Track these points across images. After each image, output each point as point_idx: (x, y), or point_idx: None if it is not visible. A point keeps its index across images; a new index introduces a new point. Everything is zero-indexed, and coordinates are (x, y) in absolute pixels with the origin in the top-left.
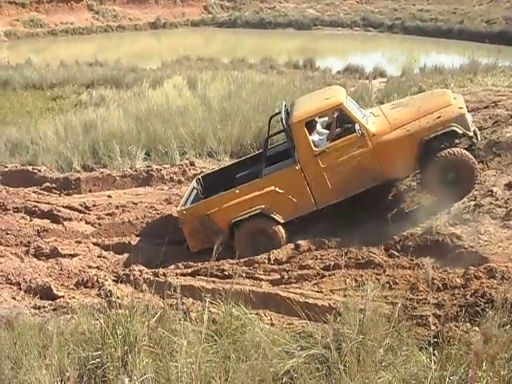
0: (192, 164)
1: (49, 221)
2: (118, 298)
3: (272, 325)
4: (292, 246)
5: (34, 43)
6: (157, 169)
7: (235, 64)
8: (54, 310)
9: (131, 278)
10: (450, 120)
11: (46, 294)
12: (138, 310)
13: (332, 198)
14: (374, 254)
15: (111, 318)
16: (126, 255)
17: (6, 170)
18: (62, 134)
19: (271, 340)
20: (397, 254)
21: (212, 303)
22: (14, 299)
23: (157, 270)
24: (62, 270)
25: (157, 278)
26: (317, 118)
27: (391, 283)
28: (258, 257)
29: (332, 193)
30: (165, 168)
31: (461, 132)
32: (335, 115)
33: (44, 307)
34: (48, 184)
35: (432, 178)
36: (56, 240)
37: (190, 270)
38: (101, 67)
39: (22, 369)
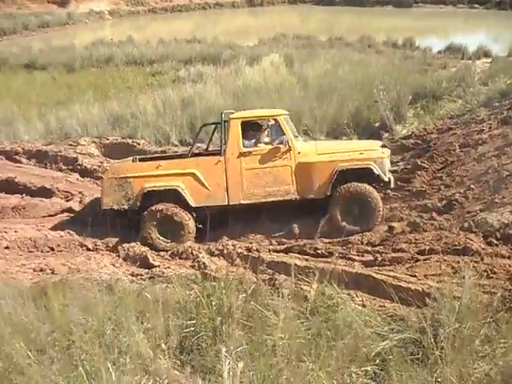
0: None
1: None
2: (212, 270)
3: (363, 306)
4: (385, 228)
5: (135, 21)
6: None
7: (332, 42)
8: (150, 278)
9: (225, 251)
10: (369, 159)
11: (143, 262)
12: (232, 282)
13: (243, 198)
14: (472, 240)
15: (206, 289)
16: (218, 230)
17: (108, 142)
18: (160, 109)
19: (363, 321)
20: (496, 242)
21: (304, 280)
22: (114, 266)
23: (250, 245)
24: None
25: (250, 253)
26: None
27: (489, 272)
28: (352, 237)
29: (245, 193)
30: None
31: (376, 173)
32: (270, 123)
33: (141, 275)
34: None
35: (335, 207)
36: None
37: (282, 247)
38: (198, 44)
39: (122, 331)
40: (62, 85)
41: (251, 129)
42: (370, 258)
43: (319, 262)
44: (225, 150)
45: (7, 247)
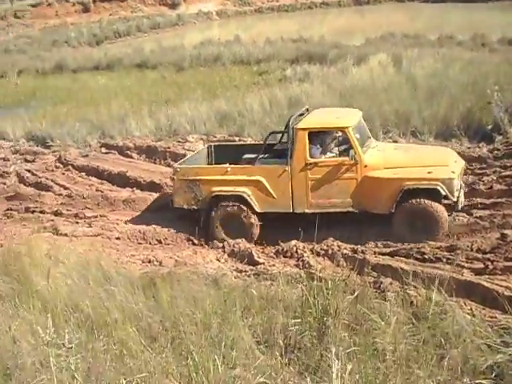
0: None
1: None
2: (317, 270)
3: (473, 315)
4: (497, 235)
5: (241, 21)
6: None
7: (442, 41)
8: (255, 274)
9: (329, 252)
10: (437, 179)
11: (247, 259)
12: (339, 284)
13: (308, 207)
14: None
15: (313, 289)
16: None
17: (215, 139)
18: (267, 108)
19: (472, 331)
20: None
21: (410, 285)
22: (219, 261)
23: (355, 247)
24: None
25: (355, 255)
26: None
27: None
28: (461, 243)
29: (309, 203)
30: None
31: (444, 193)
32: (338, 134)
33: (245, 271)
34: None
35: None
36: None
37: (388, 250)
38: (305, 43)
39: (227, 325)
40: (172, 83)
41: (319, 137)
42: (480, 265)
43: (426, 267)
44: (291, 160)
45: (118, 238)
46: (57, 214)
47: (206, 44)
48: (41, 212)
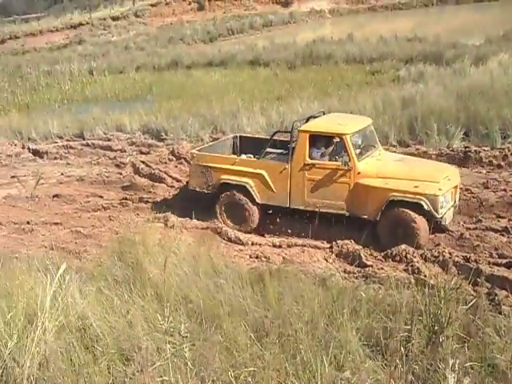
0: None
1: None
2: (426, 276)
3: None
4: None
5: (354, 19)
6: (475, 150)
7: None
8: (364, 277)
9: (440, 258)
10: (421, 194)
11: (355, 260)
12: (451, 293)
13: (303, 204)
14: None
15: (424, 296)
16: (435, 235)
17: None
18: (379, 108)
19: None
20: None
21: None
22: (326, 261)
23: (468, 255)
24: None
25: (467, 263)
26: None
27: None
28: None
29: (304, 201)
30: (484, 150)
31: (427, 208)
32: (336, 140)
33: (353, 273)
34: None
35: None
36: None
37: (504, 261)
38: (419, 43)
39: (335, 326)
40: (283, 81)
41: (321, 141)
42: None
43: None
44: (292, 159)
45: (226, 232)
46: (168, 205)
47: (318, 42)
48: (153, 203)
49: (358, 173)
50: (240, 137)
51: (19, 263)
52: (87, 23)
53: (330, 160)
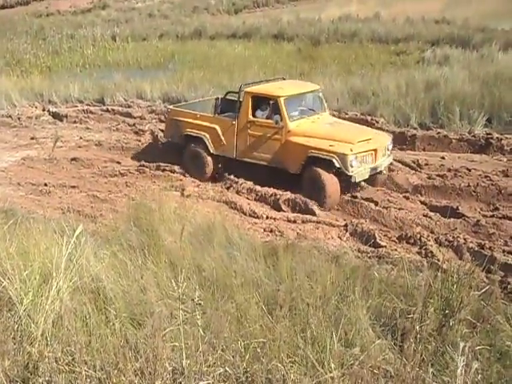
0: None
1: None
2: (439, 260)
3: None
4: None
5: None
6: (497, 137)
7: None
8: (377, 257)
9: (454, 243)
10: (334, 153)
11: (369, 240)
12: (464, 278)
13: (246, 156)
14: None
15: (437, 280)
16: (451, 220)
17: (347, 116)
18: (402, 90)
19: None
20: None
21: None
22: (340, 239)
23: (483, 242)
24: (385, 220)
25: (481, 250)
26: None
27: None
28: None
29: (247, 153)
30: (506, 138)
31: (338, 166)
32: (272, 102)
33: (367, 253)
34: None
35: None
36: (385, 192)
37: None
38: (447, 25)
39: (345, 304)
40: (307, 57)
41: (265, 102)
42: None
43: None
44: (238, 116)
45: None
46: (185, 175)
47: (343, 19)
48: (170, 171)
49: (289, 131)
50: (221, 98)
51: (36, 224)
52: None
53: (267, 119)
